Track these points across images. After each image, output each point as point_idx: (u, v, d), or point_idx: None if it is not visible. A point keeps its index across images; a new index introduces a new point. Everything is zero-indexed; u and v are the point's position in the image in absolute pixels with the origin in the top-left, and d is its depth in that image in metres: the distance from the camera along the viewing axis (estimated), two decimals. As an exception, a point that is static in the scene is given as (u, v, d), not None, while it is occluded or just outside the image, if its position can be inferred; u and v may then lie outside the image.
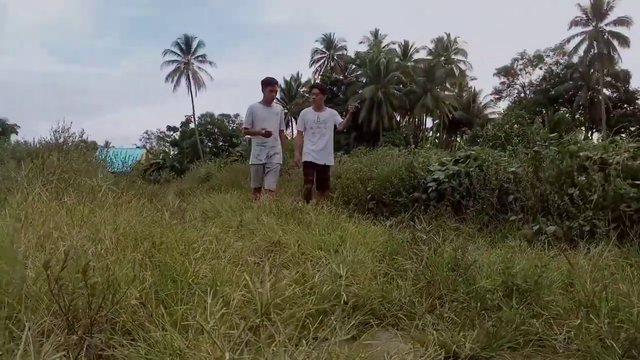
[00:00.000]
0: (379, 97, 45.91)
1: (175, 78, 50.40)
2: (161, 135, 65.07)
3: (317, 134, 6.40)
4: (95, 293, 1.61)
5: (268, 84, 6.51)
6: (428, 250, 2.79)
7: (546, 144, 4.94)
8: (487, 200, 4.89)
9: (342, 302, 1.98)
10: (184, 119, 58.61)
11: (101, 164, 8.67)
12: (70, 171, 5.67)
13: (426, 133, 55.34)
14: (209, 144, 54.47)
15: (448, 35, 54.82)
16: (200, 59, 51.04)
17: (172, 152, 50.81)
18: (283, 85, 52.80)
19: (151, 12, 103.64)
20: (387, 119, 46.55)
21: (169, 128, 62.35)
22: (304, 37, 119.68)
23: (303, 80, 57.35)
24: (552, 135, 4.99)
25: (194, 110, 52.76)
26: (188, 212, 5.86)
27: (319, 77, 54.29)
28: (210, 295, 1.70)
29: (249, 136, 6.95)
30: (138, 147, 55.15)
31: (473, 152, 5.72)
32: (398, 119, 52.39)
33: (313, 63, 56.58)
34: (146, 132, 67.85)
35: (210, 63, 51.14)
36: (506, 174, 5.05)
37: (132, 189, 6.67)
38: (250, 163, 6.72)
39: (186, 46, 50.65)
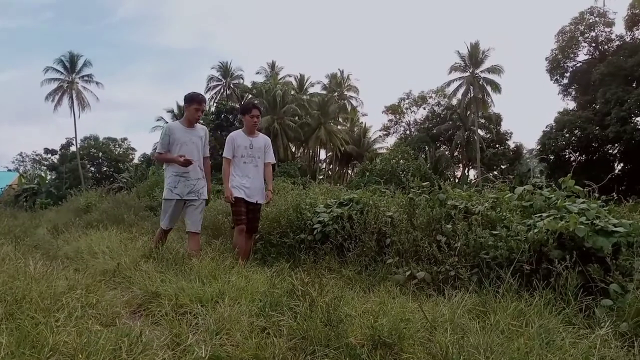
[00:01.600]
0: (275, 128, 46.55)
1: (57, 97, 46.86)
2: (37, 158, 60.03)
3: (250, 163, 5.47)
4: None
5: (194, 100, 5.17)
6: (303, 304, 2.88)
7: (419, 191, 5.33)
8: (367, 244, 5.13)
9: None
10: (64, 141, 54.58)
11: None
12: None
13: (320, 165, 56.88)
14: (92, 169, 51.13)
15: (341, 72, 57.42)
16: (85, 78, 47.97)
17: (49, 177, 46.85)
18: (176, 111, 51.28)
19: (38, 24, 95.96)
20: (283, 149, 47.26)
21: (47, 151, 57.56)
22: (197, 63, 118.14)
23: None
24: (424, 183, 5.39)
25: (76, 133, 49.05)
26: (60, 255, 5.48)
27: (215, 104, 53.76)
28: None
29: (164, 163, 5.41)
30: (10, 170, 50.38)
31: (355, 196, 5.99)
32: (293, 150, 53.39)
33: (208, 90, 55.98)
34: (20, 154, 62.45)
35: (97, 83, 48.38)
36: (384, 218, 5.36)
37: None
38: (163, 198, 5.25)
39: (71, 64, 47.36)
